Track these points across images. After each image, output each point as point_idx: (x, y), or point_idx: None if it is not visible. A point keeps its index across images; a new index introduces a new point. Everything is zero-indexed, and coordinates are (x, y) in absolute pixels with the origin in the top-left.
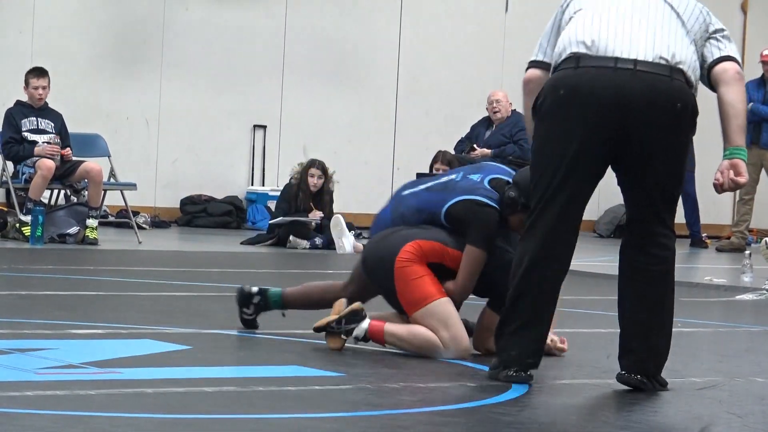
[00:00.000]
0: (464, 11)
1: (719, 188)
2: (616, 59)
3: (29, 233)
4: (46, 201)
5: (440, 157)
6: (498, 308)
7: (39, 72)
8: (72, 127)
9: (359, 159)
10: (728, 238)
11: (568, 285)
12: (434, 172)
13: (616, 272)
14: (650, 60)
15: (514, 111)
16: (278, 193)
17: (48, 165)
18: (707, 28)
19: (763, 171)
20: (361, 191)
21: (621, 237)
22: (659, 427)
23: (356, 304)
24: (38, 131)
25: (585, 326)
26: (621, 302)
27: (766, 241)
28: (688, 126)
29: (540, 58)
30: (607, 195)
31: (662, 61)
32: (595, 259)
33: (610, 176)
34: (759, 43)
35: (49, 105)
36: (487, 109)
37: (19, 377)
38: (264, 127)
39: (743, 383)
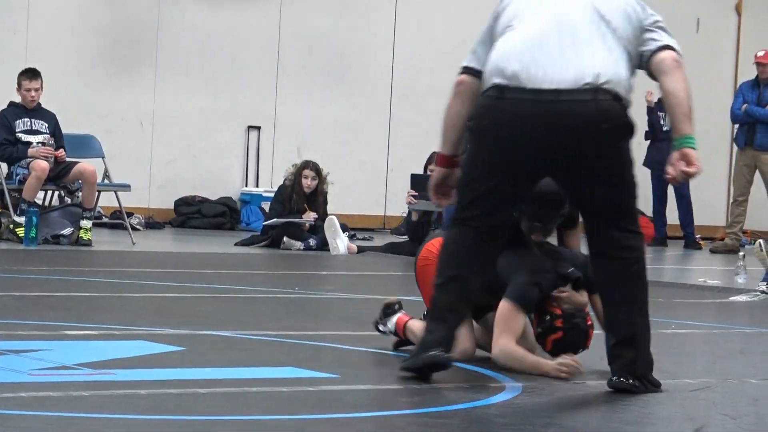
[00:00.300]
0: (459, 12)
1: (673, 182)
2: (538, 91)
3: (23, 234)
4: (40, 202)
5: (434, 158)
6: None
7: (31, 74)
8: (66, 128)
9: (354, 160)
10: (722, 239)
11: None
12: (428, 173)
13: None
14: (573, 87)
15: None
16: (272, 194)
17: (42, 166)
18: (640, 24)
19: (758, 172)
20: (356, 192)
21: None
22: (652, 429)
23: (392, 298)
24: (32, 132)
25: None
26: (605, 308)
27: (760, 242)
28: (621, 139)
29: (472, 65)
30: None
31: (586, 86)
32: None
33: None
34: (753, 44)
35: (43, 106)
36: None
37: (12, 378)
38: (258, 128)
39: (737, 385)
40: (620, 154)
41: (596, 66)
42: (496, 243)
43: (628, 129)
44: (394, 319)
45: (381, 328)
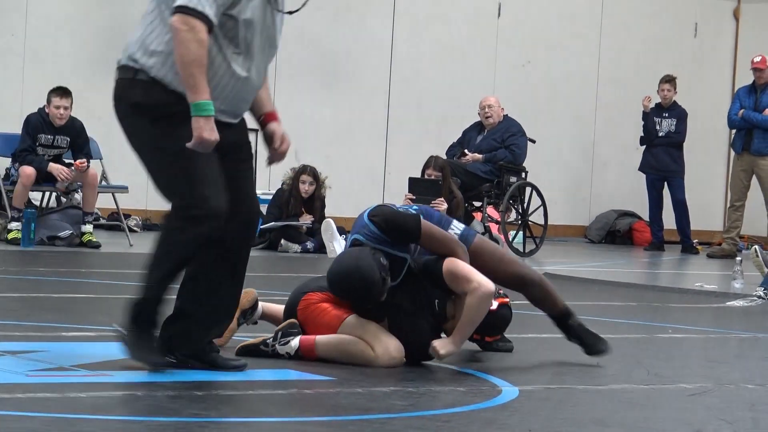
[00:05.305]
0: (457, 15)
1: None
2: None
3: (21, 236)
4: (37, 203)
5: (432, 162)
6: None
7: (62, 92)
8: None
9: (351, 163)
10: (719, 244)
11: (560, 290)
12: (426, 177)
13: (608, 278)
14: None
15: (505, 116)
16: (270, 197)
17: (27, 173)
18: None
19: (755, 177)
20: (353, 195)
21: (612, 243)
22: None
23: (293, 320)
24: (52, 146)
25: None
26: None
27: (756, 248)
28: (124, 115)
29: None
30: (598, 201)
31: (119, 63)
32: (586, 265)
33: (596, 183)
34: (752, 49)
35: (37, 107)
36: (479, 114)
37: (10, 379)
38: (255, 130)
39: (734, 389)
40: (132, 134)
41: (128, 45)
42: None
43: (132, 107)
44: (295, 342)
45: (279, 350)
